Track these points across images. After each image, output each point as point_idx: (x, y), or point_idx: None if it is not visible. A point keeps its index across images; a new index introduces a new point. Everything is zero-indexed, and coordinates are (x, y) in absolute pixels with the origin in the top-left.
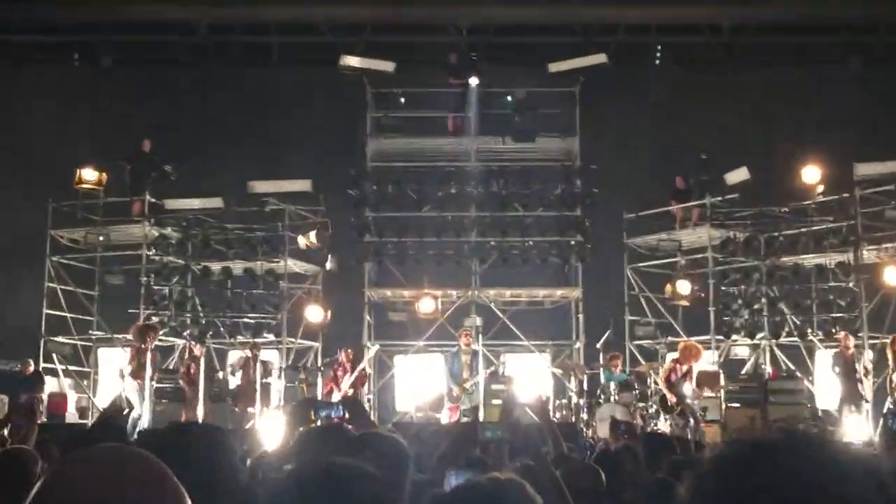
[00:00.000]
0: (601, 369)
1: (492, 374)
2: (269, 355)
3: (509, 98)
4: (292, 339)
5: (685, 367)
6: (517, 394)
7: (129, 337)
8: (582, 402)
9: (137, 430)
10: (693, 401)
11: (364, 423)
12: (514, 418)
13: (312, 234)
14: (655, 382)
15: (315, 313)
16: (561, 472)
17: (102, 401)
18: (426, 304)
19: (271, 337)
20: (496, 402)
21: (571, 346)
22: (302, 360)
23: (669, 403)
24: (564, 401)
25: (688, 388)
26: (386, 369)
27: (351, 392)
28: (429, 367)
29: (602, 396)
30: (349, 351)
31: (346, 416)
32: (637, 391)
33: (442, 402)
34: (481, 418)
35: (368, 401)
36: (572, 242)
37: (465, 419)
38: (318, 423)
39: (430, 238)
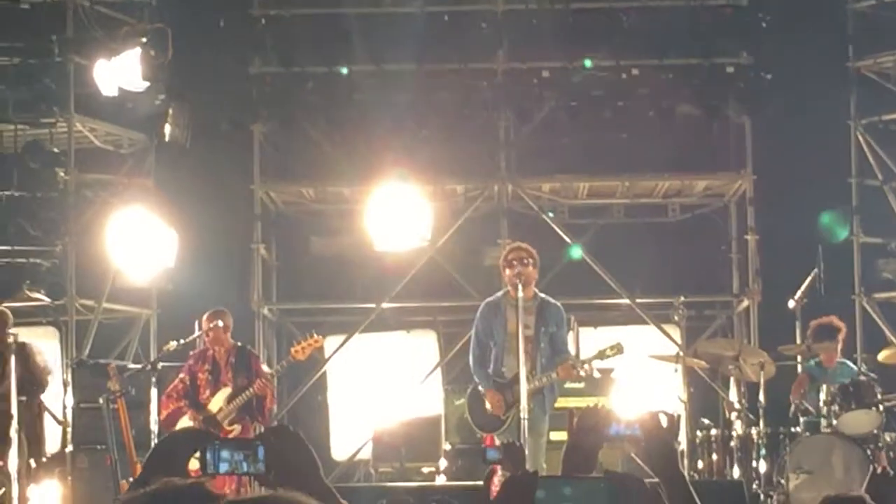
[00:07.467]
0: (798, 358)
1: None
2: (39, 339)
3: None
4: (90, 302)
5: None
6: (611, 411)
7: None
8: (757, 431)
9: None
10: None
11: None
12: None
13: (131, 57)
14: None
15: (143, 241)
16: None
17: None
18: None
19: (42, 296)
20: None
21: (731, 306)
22: (117, 351)
23: None
24: (714, 431)
25: None
26: (307, 366)
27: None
28: (405, 357)
29: (804, 419)
30: (220, 322)
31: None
32: (883, 403)
33: (437, 431)
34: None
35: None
36: (730, 70)
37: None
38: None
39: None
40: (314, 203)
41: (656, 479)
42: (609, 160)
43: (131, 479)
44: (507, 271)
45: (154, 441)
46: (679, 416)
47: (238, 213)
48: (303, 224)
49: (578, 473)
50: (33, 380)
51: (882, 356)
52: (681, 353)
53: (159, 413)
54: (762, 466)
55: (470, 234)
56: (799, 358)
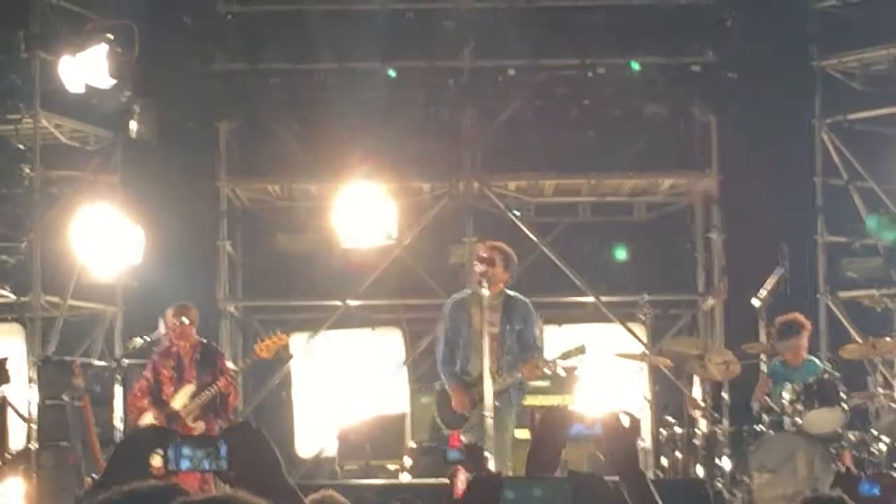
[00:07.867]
0: (762, 356)
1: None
2: (4, 336)
3: None
4: (55, 299)
5: None
6: (573, 411)
7: None
8: (721, 429)
9: None
10: None
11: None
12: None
13: (97, 53)
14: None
15: (108, 238)
16: None
17: None
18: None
19: (7, 293)
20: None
21: (696, 304)
22: (82, 348)
23: None
24: (678, 429)
25: None
26: (272, 363)
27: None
28: (370, 354)
29: (768, 417)
30: (185, 319)
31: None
32: (846, 402)
33: (402, 429)
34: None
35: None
36: (695, 68)
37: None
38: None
39: (367, 63)
40: (280, 200)
41: (616, 475)
42: (575, 158)
43: (95, 477)
44: (475, 269)
45: (118, 438)
46: (640, 417)
47: (204, 211)
48: (269, 221)
49: (542, 472)
50: None
51: (846, 350)
52: (646, 352)
53: (129, 414)
54: (726, 465)
55: (436, 233)
56: (763, 357)
